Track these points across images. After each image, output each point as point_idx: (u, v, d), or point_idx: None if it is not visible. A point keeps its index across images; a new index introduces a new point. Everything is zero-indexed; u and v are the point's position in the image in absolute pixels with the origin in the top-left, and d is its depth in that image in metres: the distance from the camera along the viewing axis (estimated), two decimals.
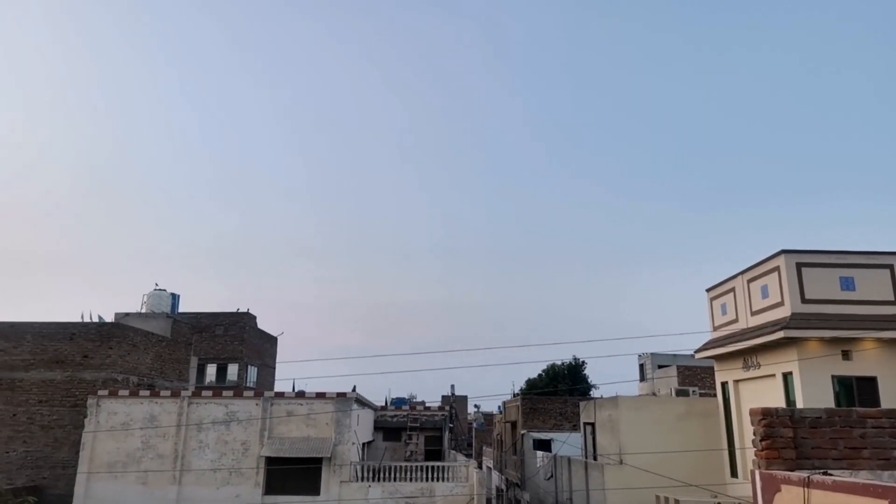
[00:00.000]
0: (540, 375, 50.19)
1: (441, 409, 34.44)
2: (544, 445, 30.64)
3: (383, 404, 40.47)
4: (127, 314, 35.73)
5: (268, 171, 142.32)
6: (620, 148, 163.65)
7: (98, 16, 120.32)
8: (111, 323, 31.12)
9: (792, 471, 5.38)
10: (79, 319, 31.27)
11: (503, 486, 41.86)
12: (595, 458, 23.28)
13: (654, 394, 34.28)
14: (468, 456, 37.98)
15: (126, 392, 25.08)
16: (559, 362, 49.18)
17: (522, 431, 34.85)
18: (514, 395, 44.79)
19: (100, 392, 24.81)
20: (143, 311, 36.92)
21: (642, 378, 46.36)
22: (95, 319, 32.41)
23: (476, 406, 58.72)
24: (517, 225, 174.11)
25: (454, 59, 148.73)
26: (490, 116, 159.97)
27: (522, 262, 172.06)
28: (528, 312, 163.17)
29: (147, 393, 25.15)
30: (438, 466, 24.56)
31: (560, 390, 43.83)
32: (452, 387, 33.34)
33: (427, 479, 23.93)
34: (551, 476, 27.55)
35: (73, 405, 25.40)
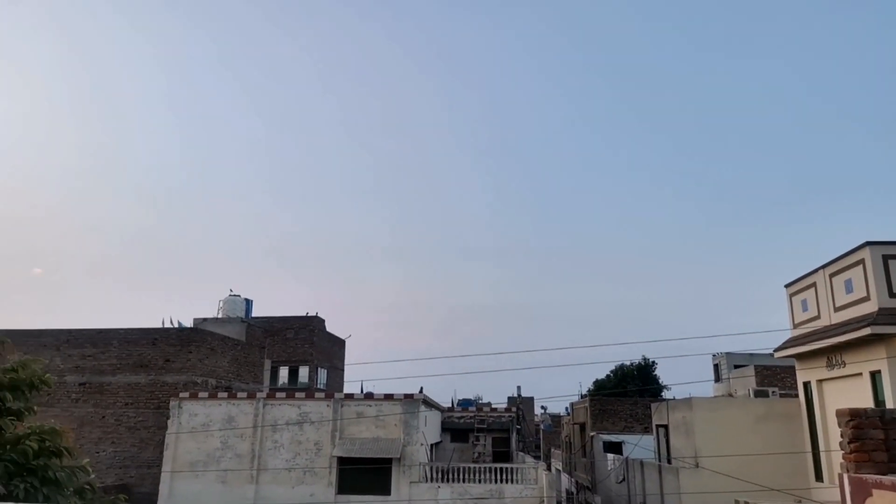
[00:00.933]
0: (608, 376, 49.24)
1: (508, 410, 34.29)
2: (615, 448, 30.02)
3: (450, 406, 40.66)
4: (204, 319, 37.30)
5: (337, 173, 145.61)
6: (687, 138, 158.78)
7: (174, 14, 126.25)
8: (190, 328, 32.56)
9: (884, 474, 5.09)
10: (159, 325, 32.89)
11: (573, 489, 41.27)
12: (669, 462, 22.64)
13: (730, 395, 33.03)
14: (536, 458, 37.65)
15: (205, 394, 26.18)
16: (628, 363, 48.11)
17: (592, 433, 34.27)
18: (583, 397, 44.11)
19: (181, 394, 25.99)
20: (220, 316, 38.45)
21: (717, 379, 44.76)
22: (175, 325, 33.99)
23: (543, 408, 58.13)
24: (585, 223, 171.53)
25: (529, 62, 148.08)
26: (549, 118, 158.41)
27: (590, 261, 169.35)
28: (597, 312, 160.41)
29: (225, 395, 26.18)
30: (507, 468, 24.47)
31: (630, 391, 42.87)
32: (519, 388, 33.14)
33: (496, 481, 23.88)
34: (623, 479, 26.97)
35: (156, 407, 26.72)
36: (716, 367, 45.98)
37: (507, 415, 33.57)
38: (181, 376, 27.30)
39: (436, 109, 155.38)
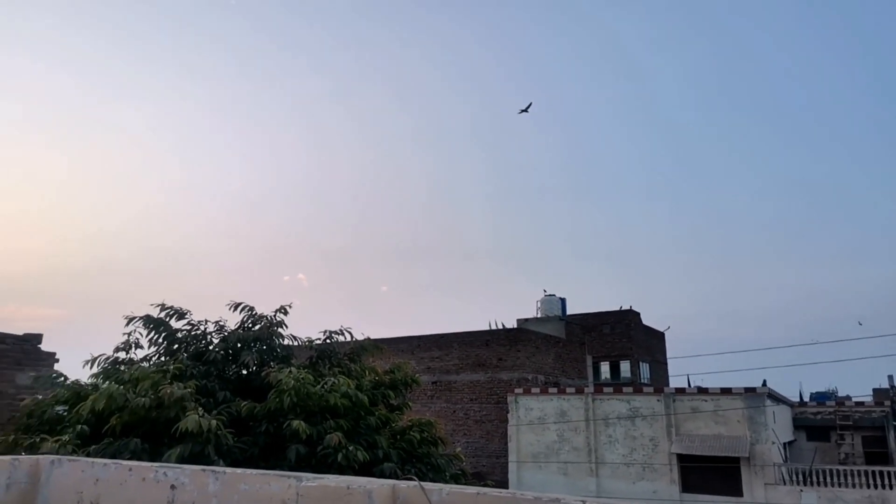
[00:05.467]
0: None
1: (879, 404, 28.92)
2: None
3: (798, 400, 35.99)
4: (526, 320, 39.48)
5: (624, 172, 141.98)
6: None
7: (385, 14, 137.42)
8: (516, 329, 34.76)
9: None
10: (486, 328, 35.79)
11: None
12: None
13: None
14: None
15: (537, 390, 27.61)
16: None
17: None
18: None
19: (515, 390, 27.83)
20: (539, 315, 40.29)
21: None
22: (500, 326, 36.66)
23: None
24: None
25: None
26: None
27: None
28: None
29: (555, 390, 27.26)
30: (889, 472, 20.64)
31: None
32: (891, 378, 27.55)
33: (875, 486, 20.31)
34: None
35: (496, 402, 29.06)
36: None
37: (878, 409, 28.36)
38: (514, 373, 29.27)
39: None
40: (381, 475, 7.92)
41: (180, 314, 9.35)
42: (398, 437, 9.74)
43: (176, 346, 9.32)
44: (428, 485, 2.92)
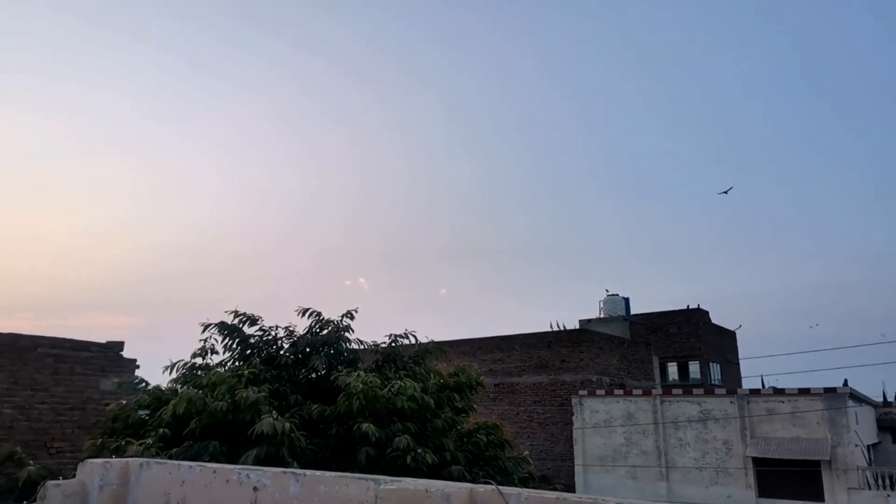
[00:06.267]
0: None
1: None
2: None
3: (883, 400, 34.05)
4: (589, 320, 38.89)
5: (683, 169, 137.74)
6: None
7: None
8: (578, 329, 34.27)
9: None
10: (547, 329, 35.43)
11: None
12: None
13: None
14: None
15: (602, 391, 27.11)
16: None
17: None
18: None
19: (580, 392, 27.41)
20: (602, 316, 39.61)
21: None
22: (561, 328, 36.23)
23: None
24: None
25: None
26: None
27: None
28: None
29: (621, 392, 26.69)
30: None
31: None
32: None
33: None
34: None
35: (560, 404, 28.70)
36: None
37: None
38: (577, 375, 28.84)
39: None
40: (450, 477, 7.95)
41: (252, 320, 9.65)
42: (465, 439, 9.75)
43: (249, 351, 9.62)
44: (506, 489, 2.90)
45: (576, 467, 26.18)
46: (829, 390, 22.00)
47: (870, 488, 20.57)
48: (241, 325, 9.54)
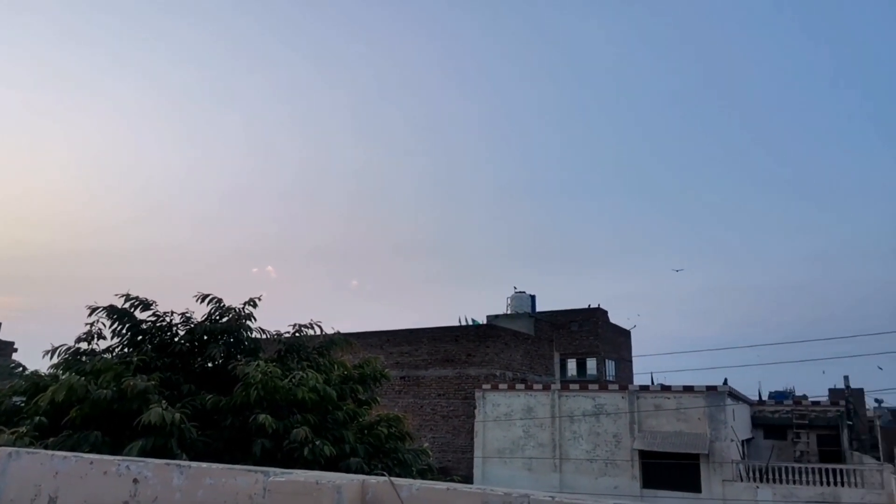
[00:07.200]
0: None
1: (834, 403, 29.85)
2: None
3: (758, 399, 36.91)
4: (496, 316, 39.67)
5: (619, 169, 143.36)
6: None
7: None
8: (486, 325, 34.91)
9: None
10: (456, 323, 35.88)
11: None
12: None
13: None
14: (876, 458, 32.03)
15: (504, 386, 27.79)
16: None
17: None
18: None
19: (483, 386, 27.97)
20: (509, 312, 40.52)
21: None
22: (470, 322, 36.77)
23: (877, 401, 49.23)
24: None
25: None
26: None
27: None
28: None
29: (522, 386, 27.47)
30: (842, 469, 21.35)
31: None
32: (846, 378, 28.43)
33: (828, 484, 20.97)
34: None
35: (464, 398, 29.17)
36: None
37: (833, 409, 29.26)
38: (482, 369, 29.40)
39: None
40: (348, 470, 7.88)
41: (146, 305, 9.15)
42: (366, 431, 9.69)
43: (140, 337, 9.12)
44: (398, 480, 2.92)
45: (475, 459, 26.71)
46: (710, 388, 23.62)
47: (742, 480, 22.27)
48: (132, 310, 9.03)
